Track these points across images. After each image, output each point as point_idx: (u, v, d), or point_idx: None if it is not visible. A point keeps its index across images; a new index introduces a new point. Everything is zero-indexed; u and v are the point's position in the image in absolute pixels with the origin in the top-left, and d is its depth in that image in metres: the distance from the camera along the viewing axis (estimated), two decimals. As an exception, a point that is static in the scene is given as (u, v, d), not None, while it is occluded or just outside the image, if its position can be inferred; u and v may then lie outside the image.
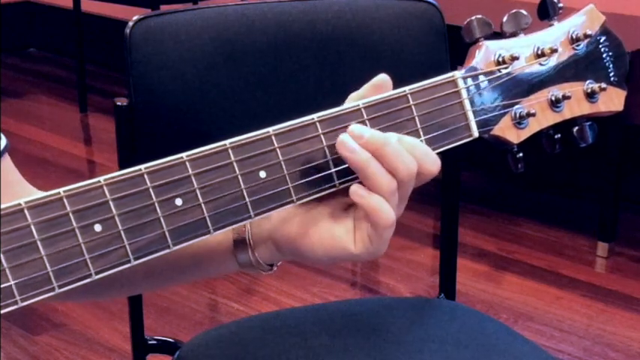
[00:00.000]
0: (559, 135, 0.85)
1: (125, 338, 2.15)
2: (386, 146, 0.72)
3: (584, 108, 0.85)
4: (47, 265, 0.62)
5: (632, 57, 2.31)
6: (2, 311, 0.61)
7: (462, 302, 1.39)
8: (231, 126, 1.17)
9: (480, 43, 0.81)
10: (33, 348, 2.16)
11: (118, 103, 1.14)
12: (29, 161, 3.32)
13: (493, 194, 3.02)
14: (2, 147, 0.84)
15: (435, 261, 2.02)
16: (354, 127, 0.72)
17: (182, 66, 1.14)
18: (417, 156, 0.73)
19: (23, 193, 0.82)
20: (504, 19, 0.83)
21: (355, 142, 0.72)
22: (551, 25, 0.85)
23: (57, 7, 4.72)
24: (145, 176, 0.66)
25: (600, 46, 0.86)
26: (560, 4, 0.85)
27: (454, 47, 1.22)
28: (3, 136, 0.84)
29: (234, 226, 0.70)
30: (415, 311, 1.26)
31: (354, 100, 0.76)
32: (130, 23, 1.13)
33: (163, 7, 3.43)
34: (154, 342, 1.30)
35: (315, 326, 1.20)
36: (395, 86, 0.78)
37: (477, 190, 3.01)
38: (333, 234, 0.75)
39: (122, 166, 1.04)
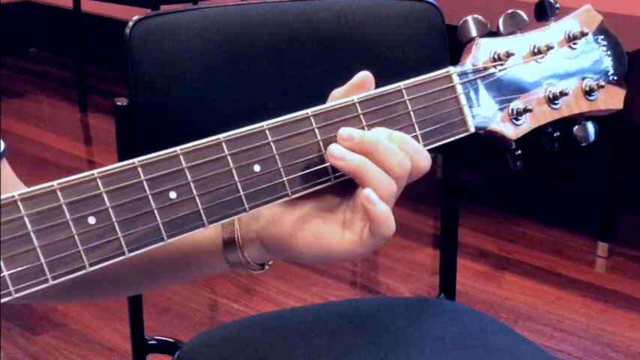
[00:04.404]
0: (558, 133, 0.84)
1: (125, 338, 2.15)
2: (378, 145, 0.71)
3: (582, 106, 0.85)
4: (41, 256, 0.62)
5: (632, 57, 2.31)
6: None
7: (462, 302, 1.39)
8: (231, 126, 1.17)
9: (477, 41, 0.81)
10: (33, 348, 2.16)
11: (118, 103, 1.14)
12: (29, 161, 3.32)
13: (493, 194, 3.02)
14: (0, 151, 0.84)
15: (435, 261, 2.02)
16: (343, 130, 0.72)
17: (182, 66, 1.15)
18: (409, 152, 0.72)
19: None
20: (501, 19, 0.83)
21: (344, 146, 0.71)
22: (547, 25, 0.85)
23: (57, 7, 4.72)
24: (139, 169, 0.66)
25: (598, 45, 0.86)
26: (557, 5, 0.85)
27: (454, 47, 1.22)
28: (2, 141, 0.84)
29: (228, 219, 0.70)
30: (415, 311, 1.26)
31: (337, 97, 0.75)
32: (130, 23, 1.13)
33: (163, 7, 3.43)
34: (154, 342, 1.30)
35: (315, 326, 1.20)
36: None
37: (477, 190, 3.01)
38: (321, 234, 0.74)
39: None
